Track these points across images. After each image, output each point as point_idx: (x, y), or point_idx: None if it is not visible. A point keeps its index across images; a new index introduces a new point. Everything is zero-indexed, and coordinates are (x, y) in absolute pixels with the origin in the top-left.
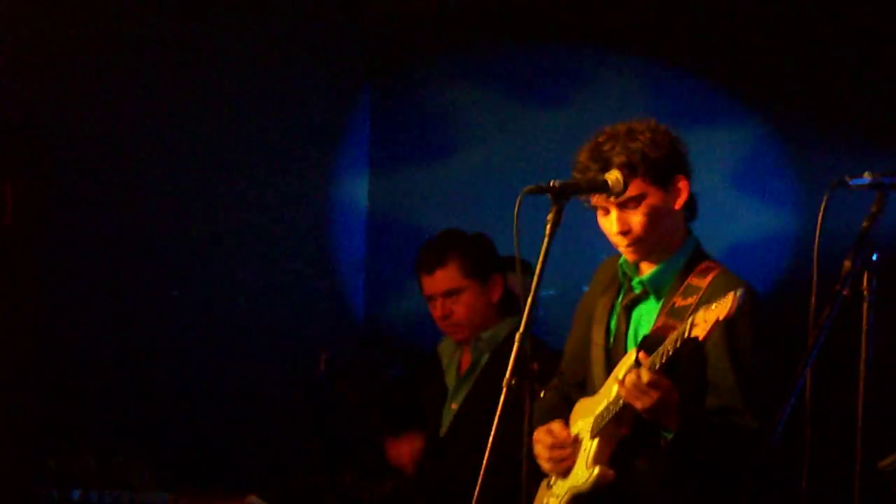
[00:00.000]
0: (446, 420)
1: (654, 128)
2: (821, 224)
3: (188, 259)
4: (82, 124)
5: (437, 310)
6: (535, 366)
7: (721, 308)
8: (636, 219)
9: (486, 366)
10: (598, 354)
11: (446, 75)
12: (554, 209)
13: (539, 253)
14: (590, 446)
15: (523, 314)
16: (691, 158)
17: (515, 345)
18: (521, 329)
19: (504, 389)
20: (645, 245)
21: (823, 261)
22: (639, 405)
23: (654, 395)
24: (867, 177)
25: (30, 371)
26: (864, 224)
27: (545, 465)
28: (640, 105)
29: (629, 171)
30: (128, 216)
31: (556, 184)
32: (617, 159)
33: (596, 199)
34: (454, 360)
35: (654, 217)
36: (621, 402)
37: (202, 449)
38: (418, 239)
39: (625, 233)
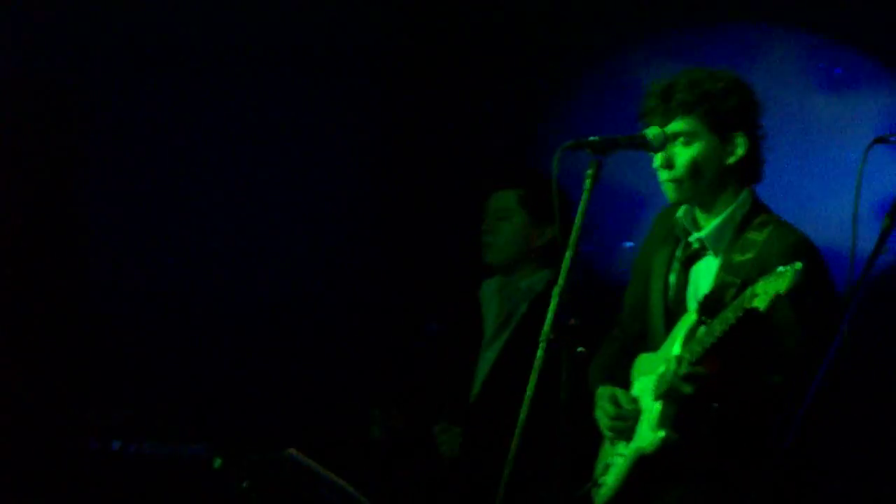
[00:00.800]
0: (482, 368)
1: (734, 80)
2: (860, 180)
3: (229, 215)
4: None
5: (484, 226)
6: (573, 321)
7: (781, 282)
8: (682, 156)
9: (524, 317)
10: (657, 310)
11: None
12: (593, 164)
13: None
14: (654, 408)
15: (562, 269)
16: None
17: (553, 300)
18: (560, 284)
19: (542, 344)
20: (684, 187)
21: None
22: (681, 391)
23: (693, 386)
24: None
25: (69, 323)
26: None
27: (605, 432)
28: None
29: (686, 108)
30: (175, 176)
31: (596, 139)
32: (679, 96)
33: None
34: (492, 306)
35: (699, 162)
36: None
37: (241, 401)
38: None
39: (666, 167)
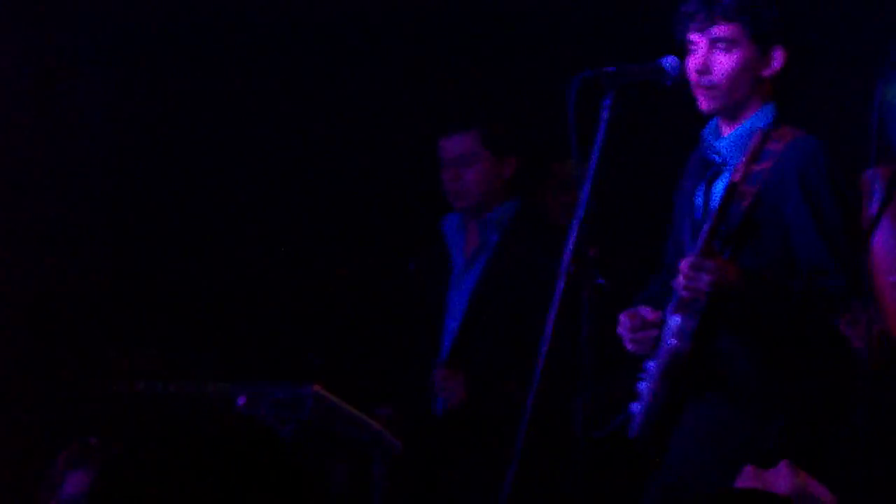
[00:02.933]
0: (457, 302)
1: None
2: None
3: (261, 162)
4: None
5: (447, 174)
6: (593, 252)
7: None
8: (721, 62)
9: (497, 246)
10: (686, 234)
11: None
12: (611, 95)
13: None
14: (672, 322)
15: (580, 202)
16: None
17: (573, 232)
18: (580, 216)
19: (563, 277)
20: (718, 94)
21: None
22: (692, 289)
23: (705, 277)
24: None
25: (93, 264)
26: None
27: (629, 346)
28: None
29: (729, 14)
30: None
31: (612, 70)
32: (724, 1)
33: (691, 35)
34: (458, 240)
35: (737, 69)
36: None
37: (267, 340)
38: None
39: (703, 72)
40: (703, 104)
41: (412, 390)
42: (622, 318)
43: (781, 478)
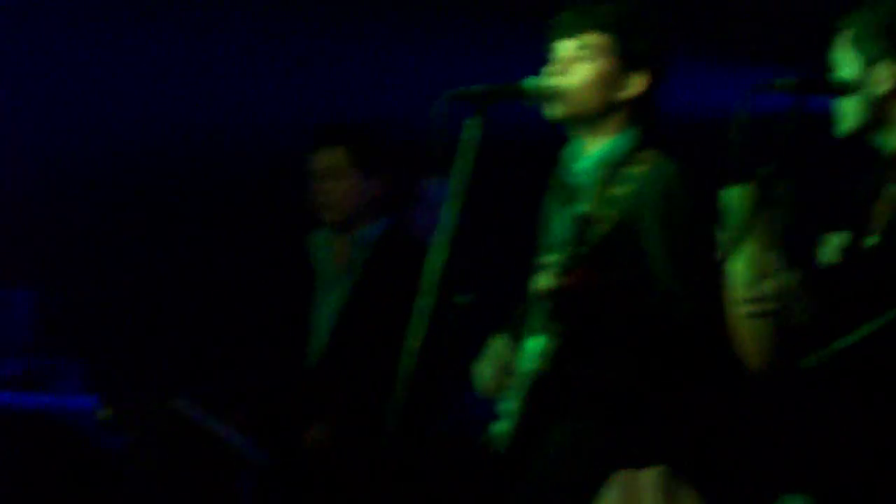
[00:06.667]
0: (324, 318)
1: (654, 16)
2: (737, 130)
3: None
4: None
5: (315, 187)
6: (455, 270)
7: None
8: (579, 69)
9: (365, 265)
10: (547, 252)
11: None
12: (475, 113)
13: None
14: (534, 344)
15: (445, 219)
16: None
17: (436, 249)
18: (443, 234)
19: (424, 295)
20: (568, 101)
21: None
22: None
23: (552, 300)
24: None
25: None
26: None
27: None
28: None
29: (606, 25)
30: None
31: (479, 89)
32: (599, 13)
33: (559, 41)
34: (329, 254)
35: (594, 79)
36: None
37: (131, 353)
38: None
39: (559, 75)
40: (553, 108)
41: (276, 408)
42: (485, 350)
43: (650, 484)
